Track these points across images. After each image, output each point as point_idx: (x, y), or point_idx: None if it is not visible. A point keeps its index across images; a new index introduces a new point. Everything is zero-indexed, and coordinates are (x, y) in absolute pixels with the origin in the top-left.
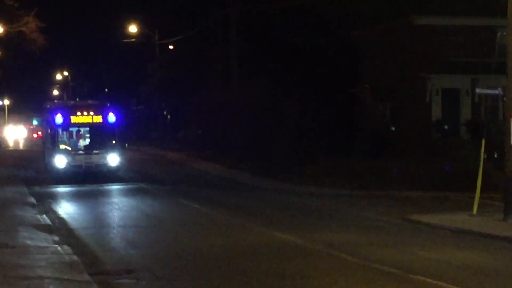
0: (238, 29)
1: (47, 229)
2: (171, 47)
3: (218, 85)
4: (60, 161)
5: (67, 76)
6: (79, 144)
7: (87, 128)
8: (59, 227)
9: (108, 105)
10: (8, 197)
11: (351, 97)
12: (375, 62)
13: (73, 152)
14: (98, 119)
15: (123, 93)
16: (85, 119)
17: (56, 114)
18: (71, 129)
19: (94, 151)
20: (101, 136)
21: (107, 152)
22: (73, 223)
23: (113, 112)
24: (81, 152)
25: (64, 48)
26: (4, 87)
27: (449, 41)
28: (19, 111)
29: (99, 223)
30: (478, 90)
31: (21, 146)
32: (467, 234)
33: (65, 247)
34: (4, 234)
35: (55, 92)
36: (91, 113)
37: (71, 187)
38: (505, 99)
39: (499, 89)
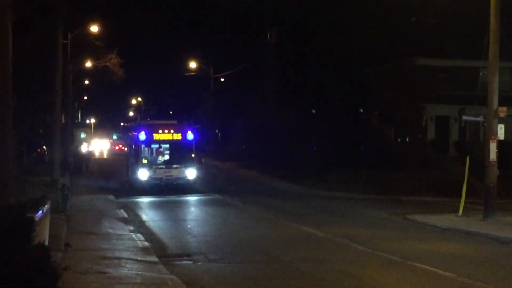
0: (273, 67)
1: (124, 220)
2: (222, 79)
3: (258, 110)
4: (143, 174)
5: (140, 101)
6: (160, 159)
7: (168, 145)
8: (140, 226)
9: (187, 124)
10: (100, 207)
11: (361, 121)
12: (382, 93)
13: (154, 166)
14: (178, 136)
15: (183, 115)
16: (166, 136)
17: (140, 131)
18: (153, 145)
19: (174, 166)
20: (180, 152)
21: (185, 166)
22: (149, 220)
23: (191, 131)
24: (161, 166)
25: (139, 79)
26: (91, 109)
27: (441, 78)
28: (102, 128)
29: (171, 218)
30: (464, 117)
31: (105, 155)
32: (453, 231)
33: (138, 235)
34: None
35: (131, 114)
36: (172, 131)
37: (152, 197)
38: (485, 125)
39: (481, 116)
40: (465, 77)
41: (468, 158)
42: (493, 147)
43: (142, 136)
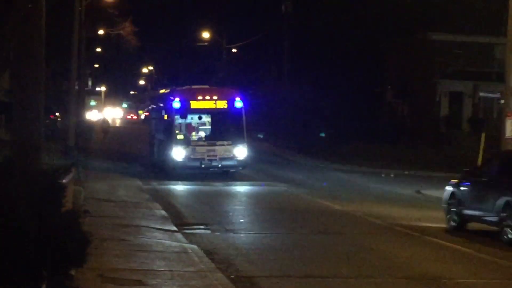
0: (288, 39)
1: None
2: (234, 50)
3: (271, 83)
4: (178, 154)
5: (151, 70)
6: (200, 134)
7: (210, 116)
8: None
9: (233, 89)
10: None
11: (376, 95)
12: (396, 68)
13: (193, 144)
14: (223, 104)
15: (195, 85)
16: (207, 104)
17: (174, 99)
18: (190, 116)
19: (218, 142)
20: (225, 125)
21: (233, 143)
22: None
23: (239, 97)
24: (202, 143)
25: (151, 47)
26: (102, 76)
27: (456, 53)
28: (113, 96)
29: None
30: (482, 94)
31: (117, 123)
32: None
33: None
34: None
35: (141, 82)
36: (215, 97)
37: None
38: (501, 101)
39: (498, 93)
40: (480, 53)
41: (483, 134)
42: (509, 124)
43: (176, 104)
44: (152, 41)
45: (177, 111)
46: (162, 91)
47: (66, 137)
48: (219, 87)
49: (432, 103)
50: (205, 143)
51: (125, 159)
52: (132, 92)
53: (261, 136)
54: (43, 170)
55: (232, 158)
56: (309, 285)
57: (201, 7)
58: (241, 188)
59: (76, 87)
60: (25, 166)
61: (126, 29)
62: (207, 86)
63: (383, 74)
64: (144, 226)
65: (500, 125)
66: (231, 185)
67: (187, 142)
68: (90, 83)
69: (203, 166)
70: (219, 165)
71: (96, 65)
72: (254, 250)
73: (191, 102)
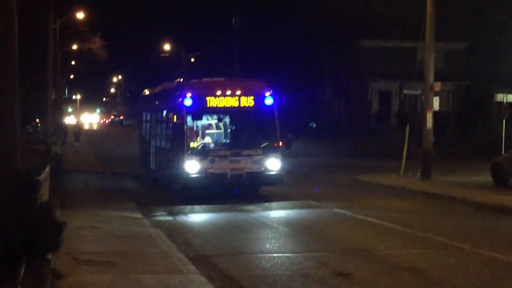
0: (238, 51)
1: None
2: (192, 59)
3: None
4: (191, 168)
5: (120, 79)
6: (220, 140)
7: (232, 117)
8: None
9: (261, 82)
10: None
11: (316, 96)
12: (333, 71)
13: (212, 154)
14: (249, 101)
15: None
16: (228, 101)
17: (184, 94)
18: (206, 117)
19: (245, 152)
20: (253, 129)
21: (264, 152)
22: None
23: (270, 93)
24: (224, 153)
25: (119, 59)
26: (77, 86)
27: (384, 56)
28: (88, 103)
29: None
30: (404, 91)
31: (95, 127)
32: (395, 188)
33: None
34: None
35: (112, 90)
36: (238, 92)
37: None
38: (422, 98)
39: (419, 90)
40: (405, 56)
41: (408, 126)
42: (429, 117)
43: (188, 101)
44: (120, 53)
45: (189, 110)
46: (163, 85)
47: (45, 139)
48: (242, 78)
49: (364, 101)
50: (228, 152)
51: (108, 166)
52: (104, 99)
53: None
54: (20, 169)
55: (264, 171)
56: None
57: (163, 21)
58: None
59: (53, 96)
60: (4, 167)
61: (96, 43)
62: (222, 79)
63: (322, 78)
64: (116, 216)
65: (423, 118)
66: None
67: (203, 151)
68: (66, 92)
69: (226, 183)
70: (246, 182)
71: (71, 76)
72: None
73: (207, 99)
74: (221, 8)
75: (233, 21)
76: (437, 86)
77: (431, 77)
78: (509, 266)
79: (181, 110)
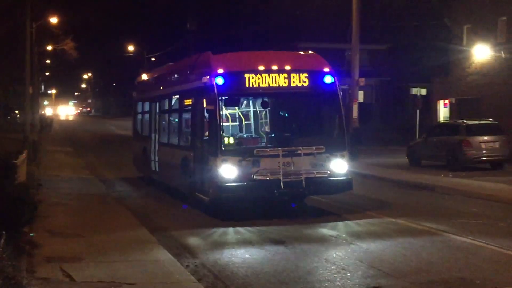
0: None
1: None
2: (153, 59)
3: None
4: (227, 172)
5: (90, 76)
6: (265, 134)
7: (280, 100)
8: None
9: (314, 56)
10: None
11: None
12: None
13: (257, 153)
14: (302, 79)
15: (124, 88)
16: (276, 79)
17: (214, 70)
18: (246, 101)
19: (301, 150)
20: (310, 117)
21: (326, 150)
22: None
23: (329, 70)
24: (272, 151)
25: (89, 58)
26: (52, 82)
27: None
28: (62, 97)
29: None
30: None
31: (70, 118)
32: None
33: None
34: None
35: (83, 86)
36: (287, 66)
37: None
38: (350, 91)
39: (347, 85)
40: (335, 56)
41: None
42: (355, 107)
43: (220, 80)
44: (90, 53)
45: (222, 92)
46: (171, 65)
47: (23, 129)
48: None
49: None
50: (279, 151)
51: (93, 164)
52: (76, 93)
53: None
54: None
55: (328, 176)
56: None
57: (128, 24)
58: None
59: (31, 91)
60: None
61: (68, 44)
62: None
63: None
64: (86, 194)
65: (349, 109)
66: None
67: (244, 150)
68: (42, 87)
69: (276, 193)
70: (305, 192)
71: (47, 73)
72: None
73: (246, 76)
74: (178, 12)
75: (188, 24)
76: (362, 81)
77: (356, 73)
78: (423, 232)
79: (208, 93)
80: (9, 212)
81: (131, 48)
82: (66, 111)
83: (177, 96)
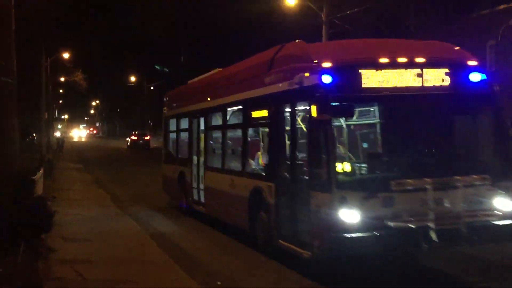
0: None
1: None
2: (152, 88)
3: None
4: (345, 216)
5: (97, 103)
6: (398, 156)
7: (414, 106)
8: None
9: (455, 47)
10: None
11: None
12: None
13: (389, 186)
14: (442, 77)
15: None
16: (404, 77)
17: (319, 63)
18: (362, 107)
19: (459, 181)
20: (457, 133)
21: (492, 178)
22: None
23: (476, 63)
24: (416, 183)
25: (97, 88)
26: (64, 108)
27: None
28: (74, 122)
29: None
30: None
31: (83, 139)
32: None
33: None
34: None
35: (92, 111)
36: (419, 59)
37: None
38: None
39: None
40: None
41: None
42: None
43: (327, 78)
44: (97, 83)
45: (332, 95)
46: (229, 68)
47: (40, 149)
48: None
49: None
50: (427, 182)
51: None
52: (86, 118)
53: None
54: (20, 171)
55: (496, 220)
56: None
57: (130, 57)
58: None
59: (46, 116)
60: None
61: (78, 76)
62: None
63: None
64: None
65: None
66: None
67: (371, 182)
68: (56, 113)
69: (428, 246)
70: (463, 242)
71: (60, 101)
72: None
73: (362, 72)
74: (172, 46)
75: (181, 58)
76: None
77: None
78: None
79: (306, 98)
80: (28, 221)
81: (132, 78)
82: (78, 133)
83: (239, 106)
